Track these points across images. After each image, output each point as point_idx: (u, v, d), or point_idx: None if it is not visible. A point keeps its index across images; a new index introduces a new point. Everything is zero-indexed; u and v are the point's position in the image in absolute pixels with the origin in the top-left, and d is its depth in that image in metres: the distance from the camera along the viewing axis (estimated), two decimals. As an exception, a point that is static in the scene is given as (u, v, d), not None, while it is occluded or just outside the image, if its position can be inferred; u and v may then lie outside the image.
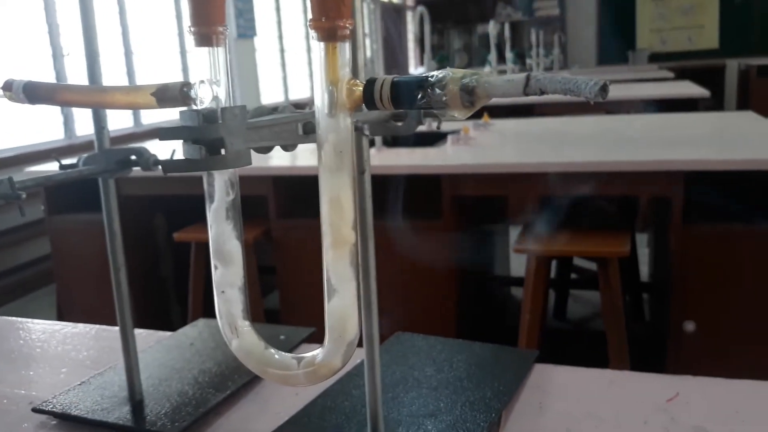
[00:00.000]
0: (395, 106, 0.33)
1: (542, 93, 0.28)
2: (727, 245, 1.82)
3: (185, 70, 5.03)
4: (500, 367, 0.75)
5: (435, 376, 0.73)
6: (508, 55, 4.45)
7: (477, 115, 2.73)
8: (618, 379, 0.73)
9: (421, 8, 2.70)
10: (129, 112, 4.45)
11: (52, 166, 2.58)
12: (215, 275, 0.40)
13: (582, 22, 7.84)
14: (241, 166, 0.36)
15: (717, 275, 1.83)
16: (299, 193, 2.25)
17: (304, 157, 2.24)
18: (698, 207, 1.88)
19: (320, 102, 0.35)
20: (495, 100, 0.34)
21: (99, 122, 0.67)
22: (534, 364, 0.76)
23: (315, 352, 0.38)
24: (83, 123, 4.02)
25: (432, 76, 0.31)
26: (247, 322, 0.40)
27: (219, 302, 0.40)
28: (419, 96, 0.32)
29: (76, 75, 3.92)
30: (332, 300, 0.36)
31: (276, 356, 0.40)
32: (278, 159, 2.17)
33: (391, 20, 8.15)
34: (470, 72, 0.31)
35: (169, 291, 2.57)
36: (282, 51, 6.29)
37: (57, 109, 3.90)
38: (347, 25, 0.34)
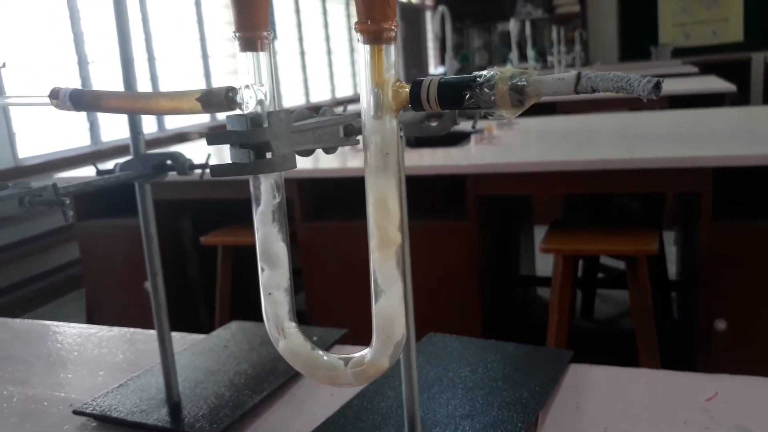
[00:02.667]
0: (442, 107, 0.33)
1: (593, 91, 0.28)
2: (757, 242, 1.79)
3: (207, 75, 5.08)
4: (535, 367, 0.75)
5: (470, 377, 0.73)
6: (530, 53, 4.42)
7: (500, 114, 2.71)
8: (655, 379, 0.72)
9: (442, 8, 2.69)
10: (153, 117, 4.50)
11: (79, 172, 2.62)
12: (262, 277, 0.40)
13: (603, 18, 7.76)
14: (287, 170, 0.36)
15: (747, 272, 1.80)
16: (325, 195, 2.25)
17: (328, 159, 2.25)
18: (726, 203, 1.85)
19: (366, 104, 0.36)
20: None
21: (135, 128, 0.68)
22: (569, 364, 0.76)
23: (363, 353, 0.38)
24: (107, 129, 4.08)
25: (480, 76, 0.31)
26: (293, 324, 0.40)
27: (266, 304, 0.40)
28: (467, 96, 0.32)
29: (102, 82, 3.98)
30: (379, 301, 0.36)
31: (324, 357, 0.40)
32: (303, 162, 2.18)
33: (410, 20, 8.15)
34: (519, 71, 0.31)
35: (196, 294, 2.59)
36: (302, 54, 6.32)
37: (83, 116, 3.95)
38: (393, 28, 0.34)
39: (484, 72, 0.32)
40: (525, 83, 0.30)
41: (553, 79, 0.30)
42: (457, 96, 0.32)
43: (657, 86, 0.27)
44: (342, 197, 2.27)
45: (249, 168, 0.34)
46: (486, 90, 0.31)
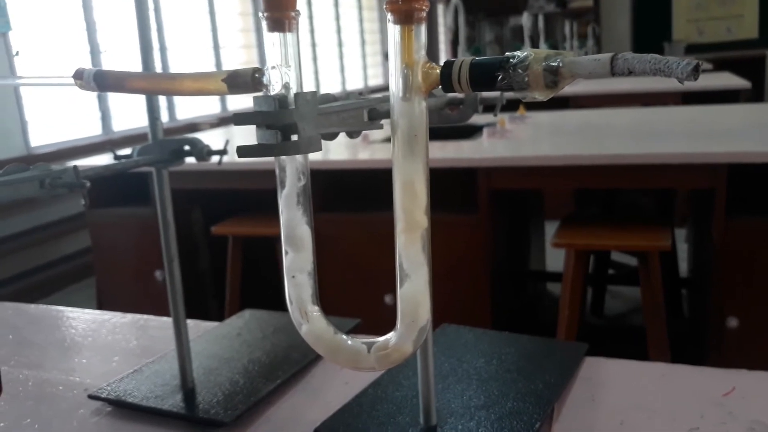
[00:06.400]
0: (474, 88, 0.33)
1: (630, 73, 0.28)
2: (770, 239, 1.78)
3: (219, 67, 5.08)
4: (550, 359, 0.74)
5: (484, 368, 0.73)
6: (542, 47, 4.40)
7: (513, 108, 2.70)
8: (671, 373, 0.71)
9: (455, 0, 2.68)
10: (164, 107, 4.51)
11: (92, 161, 2.63)
12: (286, 260, 0.40)
13: (616, 13, 7.71)
14: (313, 152, 0.36)
15: (760, 269, 1.79)
16: (334, 187, 2.25)
17: (338, 151, 2.25)
18: (739, 200, 1.84)
19: (395, 86, 0.35)
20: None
21: (153, 113, 0.68)
22: (584, 357, 0.75)
23: (387, 337, 0.38)
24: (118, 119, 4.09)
25: (514, 57, 0.31)
26: (316, 307, 0.40)
27: (289, 287, 0.40)
28: (500, 77, 0.31)
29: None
30: (404, 285, 0.36)
31: (348, 341, 0.39)
32: (313, 153, 2.18)
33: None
34: (553, 52, 0.31)
35: (206, 284, 2.60)
36: (313, 45, 6.31)
37: (95, 105, 3.97)
38: (423, 8, 0.34)
39: (518, 52, 0.31)
40: (560, 64, 0.30)
41: (588, 60, 0.29)
42: (489, 77, 0.32)
43: (696, 69, 0.27)
44: (351, 189, 2.26)
45: (276, 149, 0.34)
46: (519, 71, 0.31)
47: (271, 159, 0.40)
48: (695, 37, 7.39)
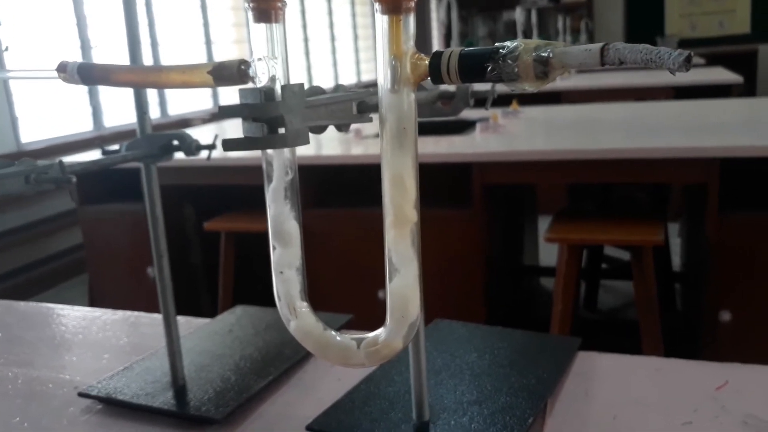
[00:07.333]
0: (463, 80, 0.32)
1: (621, 63, 0.27)
2: (763, 233, 1.78)
3: (210, 60, 5.05)
4: (543, 354, 0.74)
5: (477, 363, 0.72)
6: (535, 42, 4.38)
7: (506, 103, 2.70)
8: (664, 367, 0.71)
9: (448, -5, 2.67)
10: (156, 103, 4.48)
11: (83, 157, 2.61)
12: (274, 256, 0.39)
13: (609, 7, 7.71)
14: (300, 145, 0.36)
15: (753, 264, 1.80)
16: (327, 183, 2.24)
17: (331, 146, 2.24)
18: (733, 195, 1.84)
19: (383, 77, 0.35)
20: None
21: (141, 107, 0.67)
22: (577, 351, 0.75)
23: (377, 333, 0.37)
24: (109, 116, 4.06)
25: (503, 47, 0.30)
26: (305, 303, 0.39)
27: (277, 283, 0.39)
28: (489, 68, 0.31)
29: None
30: (394, 280, 0.35)
31: (337, 338, 0.39)
32: (306, 148, 2.17)
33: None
34: (544, 42, 0.30)
35: (198, 280, 2.59)
36: (306, 40, 6.29)
37: (85, 101, 3.94)
38: (412, -3, 0.33)
39: (507, 43, 0.31)
40: (550, 54, 0.29)
41: (579, 50, 0.29)
42: (479, 67, 0.31)
43: (688, 59, 0.26)
44: (344, 185, 2.25)
45: (262, 142, 0.34)
46: (509, 61, 0.30)
47: (260, 153, 0.39)
48: (688, 32, 7.41)
